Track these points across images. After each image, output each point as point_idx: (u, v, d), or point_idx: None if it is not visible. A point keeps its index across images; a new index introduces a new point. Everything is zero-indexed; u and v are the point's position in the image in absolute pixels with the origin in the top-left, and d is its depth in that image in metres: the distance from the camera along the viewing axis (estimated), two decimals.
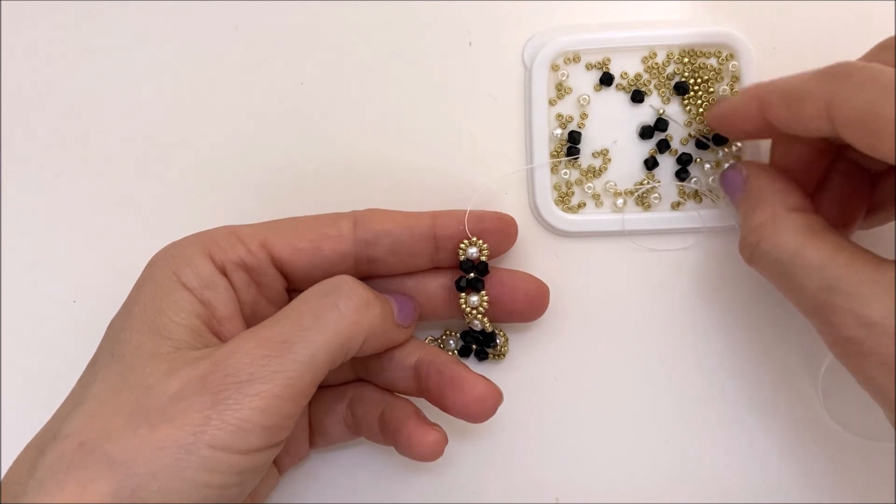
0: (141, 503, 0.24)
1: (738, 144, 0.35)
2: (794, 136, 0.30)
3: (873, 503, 0.35)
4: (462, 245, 0.33)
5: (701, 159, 0.36)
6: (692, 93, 0.35)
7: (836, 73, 0.27)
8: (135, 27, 0.37)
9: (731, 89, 0.35)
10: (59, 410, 0.28)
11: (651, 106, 0.36)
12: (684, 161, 0.35)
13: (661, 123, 0.35)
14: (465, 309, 0.33)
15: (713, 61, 0.35)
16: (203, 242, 0.30)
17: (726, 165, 0.35)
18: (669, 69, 0.35)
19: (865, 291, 0.26)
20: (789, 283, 0.29)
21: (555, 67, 0.36)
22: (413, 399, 0.33)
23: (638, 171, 0.36)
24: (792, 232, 0.29)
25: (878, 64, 0.27)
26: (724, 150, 0.35)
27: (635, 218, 0.36)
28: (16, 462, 0.27)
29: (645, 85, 0.36)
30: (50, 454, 0.25)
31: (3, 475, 0.27)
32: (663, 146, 0.35)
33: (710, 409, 0.36)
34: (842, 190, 0.33)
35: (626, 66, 0.36)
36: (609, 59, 0.36)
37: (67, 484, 0.24)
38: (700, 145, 0.35)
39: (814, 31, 0.36)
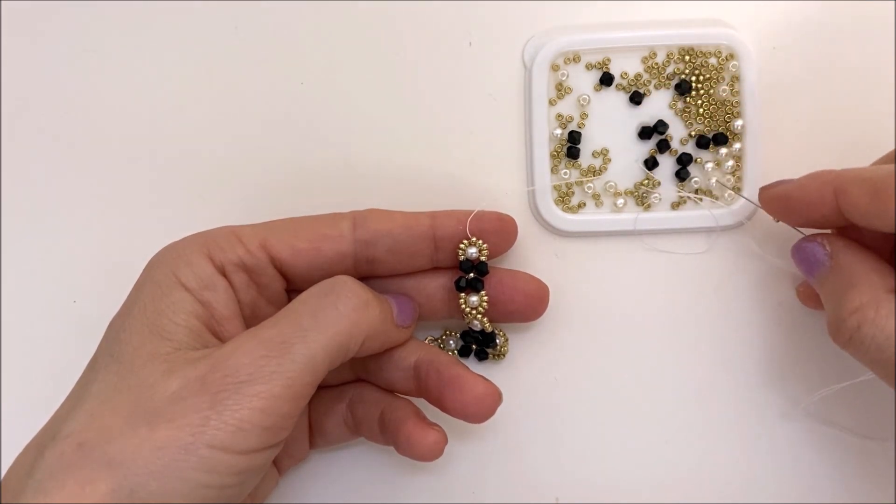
0: (140, 503, 0.24)
1: (738, 145, 0.35)
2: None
3: (873, 503, 0.35)
4: (462, 245, 0.33)
5: (701, 159, 0.36)
6: (694, 92, 0.35)
7: None
8: (135, 27, 0.37)
9: (732, 89, 0.35)
10: (58, 411, 0.28)
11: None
12: (684, 161, 0.35)
13: (660, 125, 0.35)
14: (464, 309, 0.33)
15: (713, 61, 0.35)
16: (203, 243, 0.30)
17: (727, 168, 0.35)
18: (669, 69, 0.35)
19: None
20: (893, 369, 0.28)
21: (555, 67, 0.36)
22: (413, 399, 0.33)
23: (638, 171, 0.36)
24: None
25: None
26: (724, 150, 0.35)
27: (640, 218, 0.36)
28: (15, 462, 0.27)
29: (645, 85, 0.35)
30: (49, 454, 0.25)
31: (2, 475, 0.27)
32: (663, 146, 0.35)
33: (711, 409, 0.36)
34: None
35: (626, 66, 0.36)
36: (609, 59, 0.36)
37: (67, 484, 0.24)
38: (701, 144, 0.35)
39: (814, 31, 0.36)
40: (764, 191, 0.33)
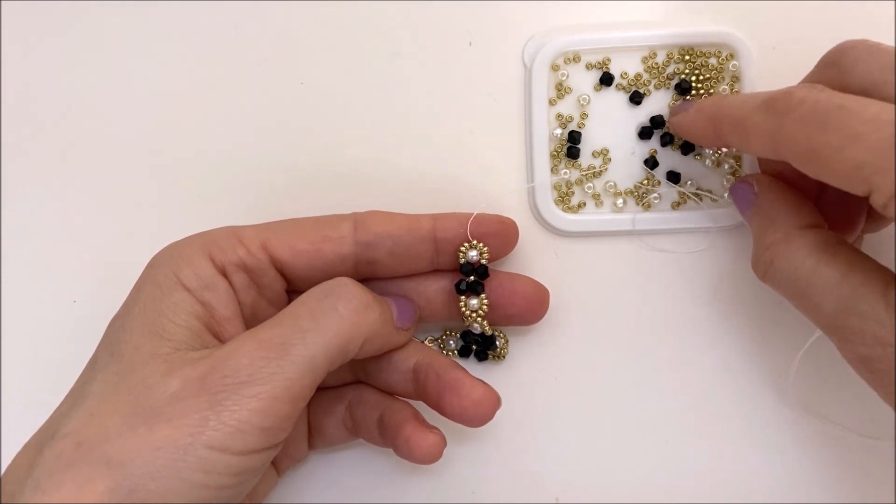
0: (138, 503, 0.24)
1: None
2: None
3: (873, 503, 0.35)
4: (462, 248, 0.33)
5: (701, 155, 0.35)
6: (694, 91, 0.35)
7: (779, 107, 0.27)
8: (135, 27, 0.37)
9: (732, 89, 0.35)
10: (57, 410, 0.28)
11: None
12: (687, 150, 0.35)
13: (658, 117, 0.35)
14: (464, 312, 0.33)
15: (713, 61, 0.35)
16: (203, 243, 0.30)
17: (726, 168, 0.35)
18: (669, 69, 0.35)
19: (880, 312, 0.26)
20: (805, 302, 0.29)
21: (555, 67, 0.36)
22: (412, 402, 0.33)
23: (638, 171, 0.36)
24: (806, 250, 0.29)
25: (820, 90, 0.27)
26: (724, 150, 0.35)
27: (640, 218, 0.36)
28: (14, 461, 0.27)
29: (645, 85, 0.35)
30: (48, 453, 0.25)
31: (1, 474, 0.27)
32: (666, 139, 0.35)
33: (710, 409, 0.36)
34: (841, 193, 0.32)
35: (626, 66, 0.36)
36: (609, 59, 0.36)
37: (65, 483, 0.24)
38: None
39: (814, 31, 0.36)
40: (670, 119, 0.35)
